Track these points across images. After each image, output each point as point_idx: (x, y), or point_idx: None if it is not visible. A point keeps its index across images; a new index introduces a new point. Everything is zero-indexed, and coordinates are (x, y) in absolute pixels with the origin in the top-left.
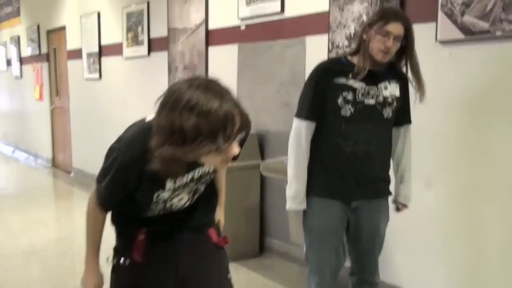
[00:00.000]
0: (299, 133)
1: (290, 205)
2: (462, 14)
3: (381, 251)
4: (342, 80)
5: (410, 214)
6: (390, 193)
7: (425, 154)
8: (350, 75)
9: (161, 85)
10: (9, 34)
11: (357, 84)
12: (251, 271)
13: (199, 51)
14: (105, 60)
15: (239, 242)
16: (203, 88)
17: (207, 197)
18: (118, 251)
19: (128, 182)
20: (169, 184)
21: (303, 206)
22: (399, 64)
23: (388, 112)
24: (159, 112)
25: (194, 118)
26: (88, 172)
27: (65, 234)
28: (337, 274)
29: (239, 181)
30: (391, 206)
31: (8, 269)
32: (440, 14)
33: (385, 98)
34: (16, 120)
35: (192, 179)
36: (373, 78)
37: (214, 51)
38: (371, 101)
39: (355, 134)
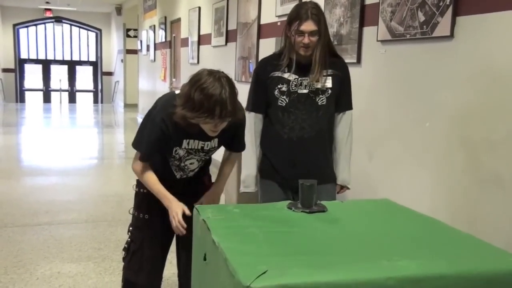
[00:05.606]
0: (249, 124)
1: (241, 188)
2: (390, 20)
3: None
4: (277, 74)
5: None
6: (334, 178)
7: (369, 122)
8: (286, 69)
9: (231, 71)
10: (149, 23)
11: (291, 77)
12: None
13: (253, 42)
14: (202, 47)
15: None
16: (215, 79)
17: (207, 161)
18: (141, 183)
19: (164, 135)
20: (184, 144)
21: (251, 189)
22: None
23: (322, 99)
24: (186, 85)
25: (202, 96)
26: None
27: None
28: None
29: None
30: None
31: None
32: (380, 20)
33: (317, 87)
34: (150, 98)
35: (202, 149)
36: (305, 70)
37: (263, 43)
38: (304, 90)
39: (290, 122)
